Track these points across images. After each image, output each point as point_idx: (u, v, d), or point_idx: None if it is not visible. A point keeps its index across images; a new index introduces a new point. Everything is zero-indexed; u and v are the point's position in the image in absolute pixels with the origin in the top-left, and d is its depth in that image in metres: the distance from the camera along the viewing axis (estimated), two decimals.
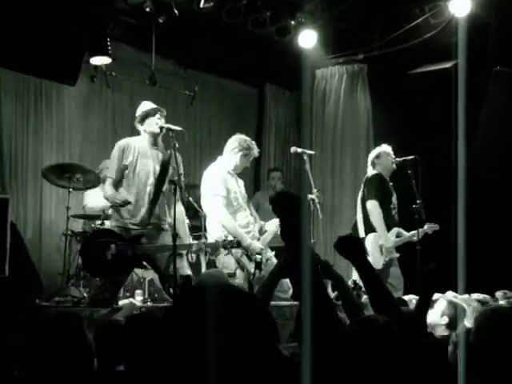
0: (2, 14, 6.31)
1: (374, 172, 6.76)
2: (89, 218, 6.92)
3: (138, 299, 5.63)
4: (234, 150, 5.99)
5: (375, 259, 6.46)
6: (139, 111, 5.76)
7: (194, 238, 6.80)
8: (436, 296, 4.56)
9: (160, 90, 7.58)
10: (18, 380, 2.33)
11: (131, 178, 5.57)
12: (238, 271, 5.75)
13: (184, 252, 5.95)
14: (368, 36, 8.36)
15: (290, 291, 5.87)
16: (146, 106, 5.79)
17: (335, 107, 9.05)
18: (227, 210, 5.79)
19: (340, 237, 2.76)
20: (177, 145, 5.41)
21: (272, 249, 6.04)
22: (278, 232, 6.05)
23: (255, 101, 9.71)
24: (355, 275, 6.38)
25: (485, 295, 4.63)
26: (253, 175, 9.19)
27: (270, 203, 2.74)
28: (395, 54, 8.08)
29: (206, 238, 5.96)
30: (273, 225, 5.96)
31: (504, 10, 7.27)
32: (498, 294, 5.10)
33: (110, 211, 6.17)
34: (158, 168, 5.64)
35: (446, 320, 4.22)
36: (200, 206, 6.10)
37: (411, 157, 6.61)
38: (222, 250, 5.60)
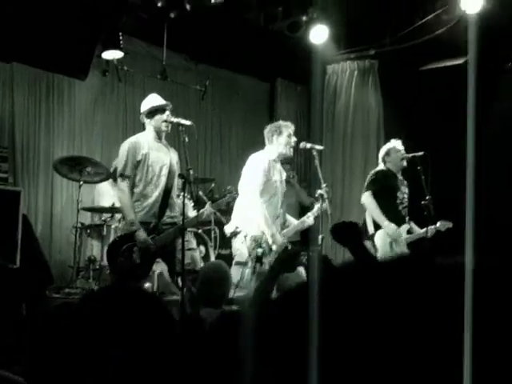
0: (15, 8, 6.35)
1: (378, 168, 6.78)
2: (99, 210, 6.96)
3: None
4: (270, 139, 6.07)
5: (385, 255, 6.47)
6: (147, 105, 5.65)
7: (204, 231, 6.85)
8: None
9: (171, 84, 7.61)
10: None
11: (145, 172, 5.52)
12: (250, 261, 5.80)
13: (195, 246, 5.98)
14: (379, 32, 8.36)
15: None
16: (154, 100, 5.69)
17: (346, 103, 9.05)
18: (261, 197, 5.86)
19: (335, 224, 2.75)
20: (186, 139, 5.42)
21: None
22: (300, 228, 6.13)
23: (266, 95, 9.72)
24: None
25: None
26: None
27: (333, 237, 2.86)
28: (406, 50, 8.07)
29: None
30: (295, 221, 6.07)
31: None
32: None
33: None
34: (168, 160, 5.63)
35: None
36: (210, 199, 6.13)
37: (421, 153, 6.60)
38: (236, 237, 5.72)
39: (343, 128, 9.03)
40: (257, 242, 5.79)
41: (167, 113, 5.58)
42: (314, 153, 6.17)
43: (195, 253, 6.15)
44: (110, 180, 6.63)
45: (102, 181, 6.75)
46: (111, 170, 6.61)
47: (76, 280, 6.31)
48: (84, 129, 7.94)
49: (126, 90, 8.18)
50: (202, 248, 6.73)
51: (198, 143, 7.59)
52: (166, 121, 5.55)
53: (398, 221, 6.63)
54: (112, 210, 6.58)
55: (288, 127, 6.14)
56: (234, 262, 5.94)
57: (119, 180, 5.45)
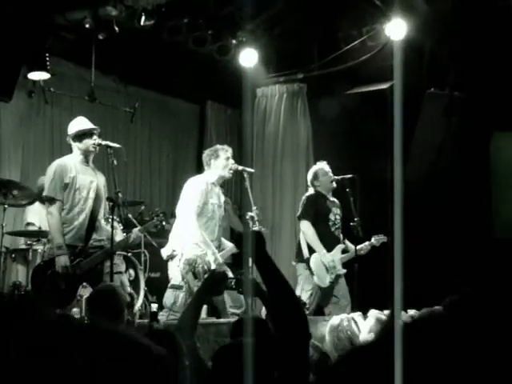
0: None
1: (308, 193, 6.89)
2: (25, 234, 6.78)
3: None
4: (208, 163, 6.13)
5: (321, 278, 6.56)
6: (74, 128, 5.58)
7: (133, 254, 6.75)
8: (369, 313, 4.68)
9: (100, 106, 7.51)
10: None
11: (72, 195, 5.46)
12: (184, 284, 5.79)
13: (123, 270, 5.89)
14: (308, 56, 8.52)
15: (243, 308, 5.88)
16: (81, 123, 5.62)
17: (275, 125, 9.15)
18: (198, 220, 5.87)
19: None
20: (115, 162, 5.37)
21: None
22: (235, 250, 6.13)
23: (196, 118, 9.72)
24: (298, 291, 6.45)
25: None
26: None
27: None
28: (334, 75, 8.25)
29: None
30: (230, 244, 6.05)
31: (437, 34, 7.52)
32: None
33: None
34: (95, 183, 5.58)
35: (372, 336, 4.34)
36: (139, 222, 6.08)
37: (349, 175, 6.74)
38: (173, 260, 5.74)
39: (273, 150, 9.11)
40: (190, 265, 5.77)
41: (95, 137, 5.53)
42: (245, 175, 6.21)
43: (123, 276, 6.06)
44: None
45: (28, 204, 6.57)
46: (37, 188, 6.52)
47: None
48: (11, 151, 7.73)
49: (52, 112, 8.02)
50: (132, 271, 6.63)
51: (127, 166, 7.52)
52: (93, 144, 5.50)
53: (333, 242, 6.74)
54: (38, 233, 6.42)
55: (225, 150, 6.18)
56: (168, 286, 5.90)
57: (47, 204, 5.36)
